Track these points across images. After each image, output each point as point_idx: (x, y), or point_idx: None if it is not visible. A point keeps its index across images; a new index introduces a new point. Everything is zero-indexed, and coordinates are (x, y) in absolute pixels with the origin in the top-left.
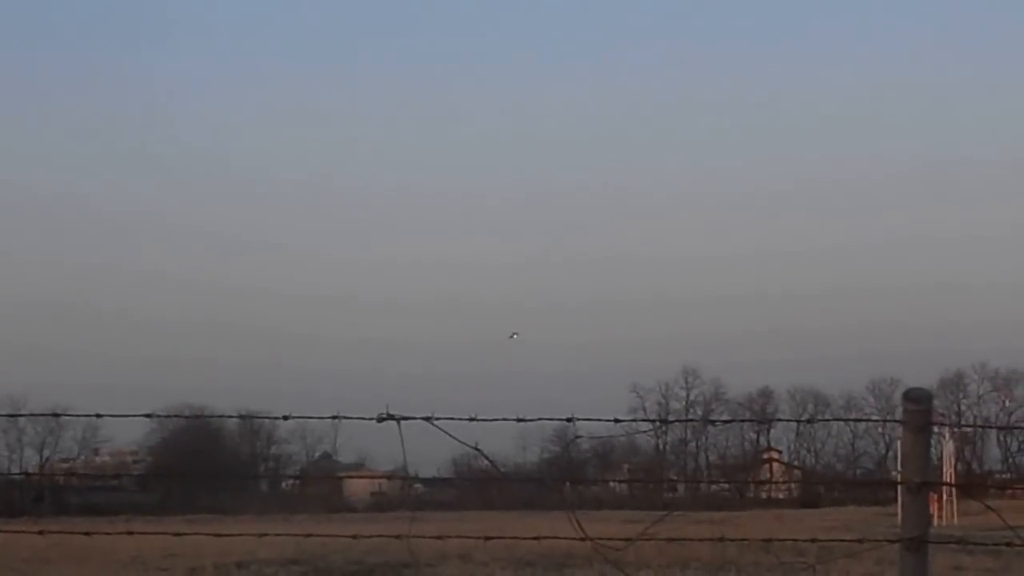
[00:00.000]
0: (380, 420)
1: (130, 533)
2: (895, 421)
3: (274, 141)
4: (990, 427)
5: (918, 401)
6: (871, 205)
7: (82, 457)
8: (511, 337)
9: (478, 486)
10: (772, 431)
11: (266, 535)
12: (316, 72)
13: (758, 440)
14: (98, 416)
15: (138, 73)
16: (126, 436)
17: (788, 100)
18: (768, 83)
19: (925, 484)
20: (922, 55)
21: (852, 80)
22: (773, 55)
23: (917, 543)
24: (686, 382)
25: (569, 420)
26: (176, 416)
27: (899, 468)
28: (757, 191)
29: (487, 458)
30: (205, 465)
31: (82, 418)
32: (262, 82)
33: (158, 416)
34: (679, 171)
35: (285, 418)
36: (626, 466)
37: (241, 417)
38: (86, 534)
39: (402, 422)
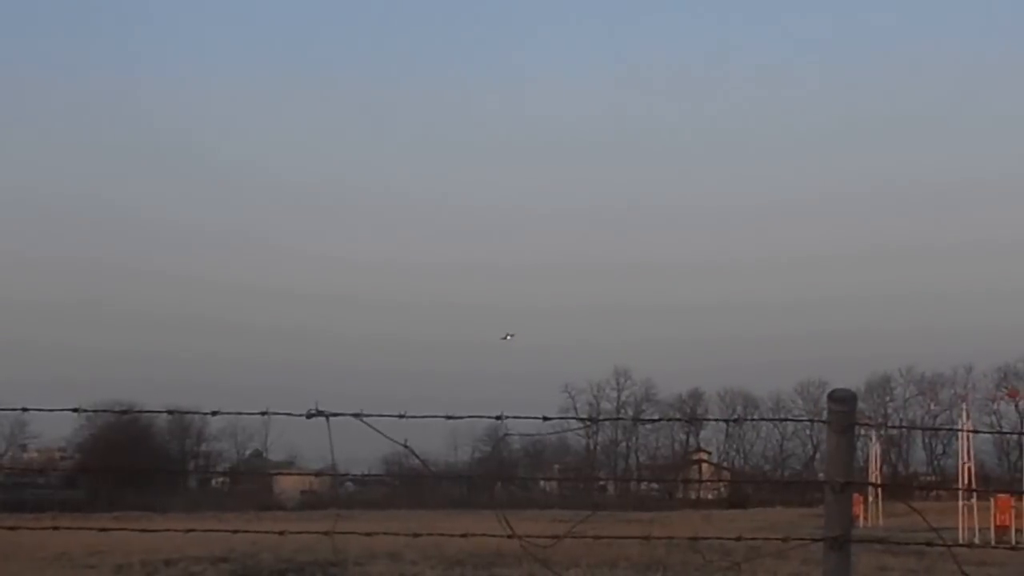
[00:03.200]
0: (309, 416)
1: (55, 528)
2: (819, 421)
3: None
4: (915, 428)
5: (842, 402)
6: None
7: (9, 453)
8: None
9: (409, 485)
10: (702, 432)
11: (193, 531)
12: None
13: (688, 441)
14: (24, 410)
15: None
16: (55, 432)
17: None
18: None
19: (848, 484)
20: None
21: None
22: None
23: (840, 542)
24: (617, 383)
25: (498, 418)
26: (104, 411)
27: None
28: (691, 208)
29: (416, 456)
30: (134, 462)
31: (9, 414)
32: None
33: (85, 411)
34: (616, 185)
35: (214, 414)
36: (557, 466)
37: (170, 412)
38: (11, 529)
39: (331, 418)
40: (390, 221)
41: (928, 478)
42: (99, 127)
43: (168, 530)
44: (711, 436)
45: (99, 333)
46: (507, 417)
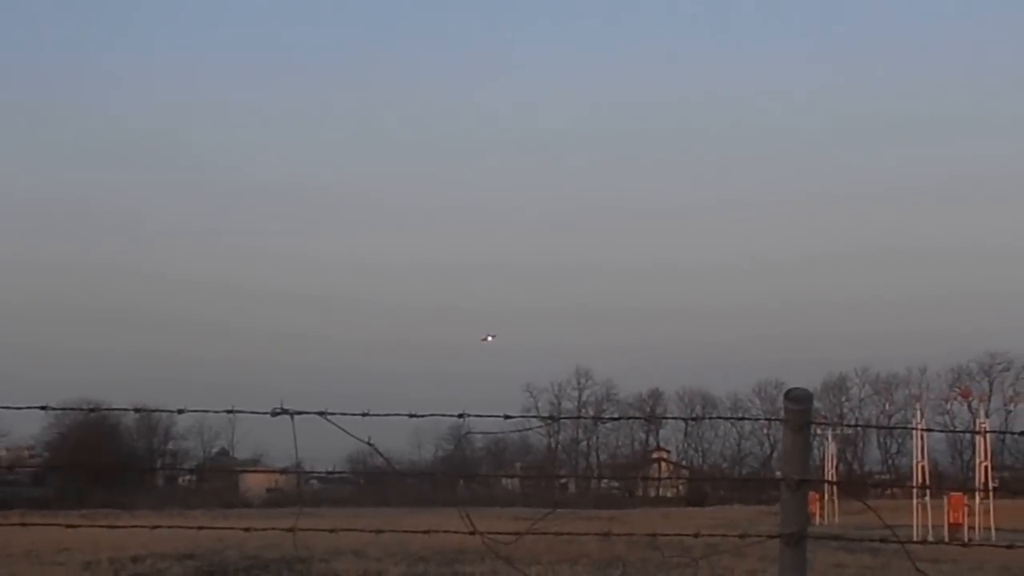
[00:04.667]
0: (274, 414)
1: (23, 525)
2: (776, 420)
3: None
4: (870, 427)
5: (798, 401)
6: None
7: None
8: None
9: (373, 483)
10: (661, 431)
11: (159, 527)
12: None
13: (647, 440)
14: None
15: None
16: (23, 430)
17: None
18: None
19: (804, 481)
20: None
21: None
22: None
23: (796, 538)
24: (578, 383)
25: (460, 416)
26: (72, 408)
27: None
28: (650, 210)
29: (379, 453)
30: (102, 460)
31: None
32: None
33: (53, 408)
34: (577, 186)
35: (180, 411)
36: (519, 464)
37: (137, 411)
38: None
39: (296, 417)
40: (355, 221)
41: (883, 476)
42: (68, 123)
43: (135, 526)
44: (670, 435)
45: (68, 331)
46: (469, 415)
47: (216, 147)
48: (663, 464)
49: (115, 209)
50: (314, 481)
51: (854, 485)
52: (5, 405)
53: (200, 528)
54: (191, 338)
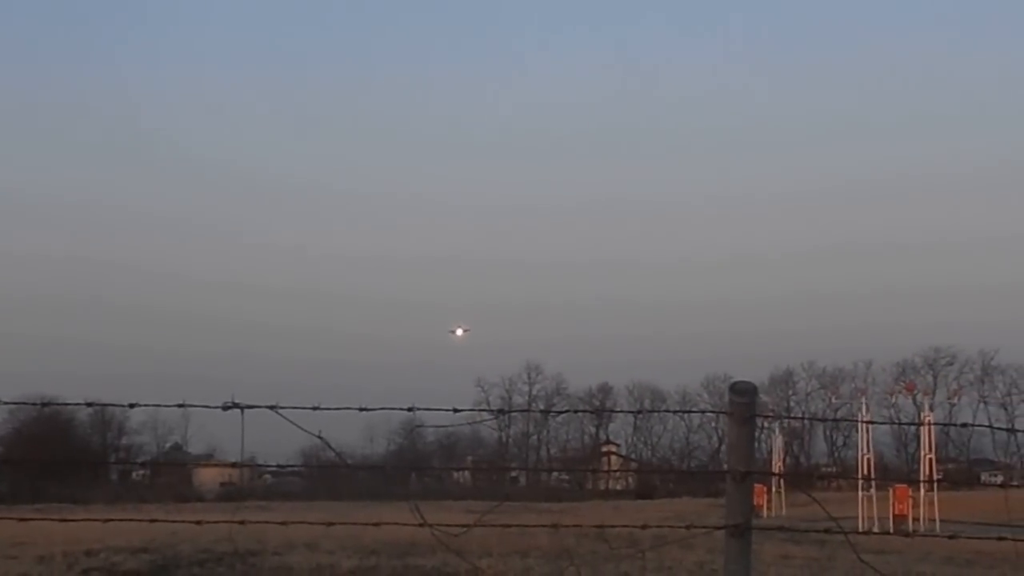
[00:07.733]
0: (226, 408)
1: None
2: (722, 412)
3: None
4: (816, 419)
5: (743, 394)
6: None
7: None
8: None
9: (325, 477)
10: (611, 425)
11: (111, 520)
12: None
13: (597, 433)
14: None
15: None
16: None
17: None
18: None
19: (749, 473)
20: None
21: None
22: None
23: (741, 530)
24: (529, 377)
25: (410, 410)
26: (25, 403)
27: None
28: (601, 207)
29: (330, 446)
30: (56, 455)
31: None
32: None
33: (7, 403)
34: (525, 183)
35: (132, 406)
36: (470, 458)
37: (89, 405)
38: None
39: (247, 410)
40: (309, 214)
41: (829, 469)
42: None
43: (88, 519)
44: (620, 429)
45: (22, 325)
46: (418, 409)
47: (173, 133)
48: (612, 457)
49: (70, 198)
50: (268, 475)
51: (800, 477)
52: None
53: (153, 521)
54: (147, 331)
